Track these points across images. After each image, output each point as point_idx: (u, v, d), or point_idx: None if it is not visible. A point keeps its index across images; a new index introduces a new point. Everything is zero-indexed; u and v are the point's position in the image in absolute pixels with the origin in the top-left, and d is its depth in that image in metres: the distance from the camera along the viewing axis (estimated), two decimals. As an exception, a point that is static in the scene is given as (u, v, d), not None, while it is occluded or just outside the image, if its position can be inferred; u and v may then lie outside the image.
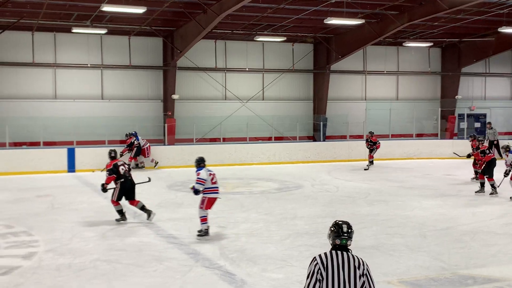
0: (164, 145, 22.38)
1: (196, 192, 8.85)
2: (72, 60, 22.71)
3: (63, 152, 18.74)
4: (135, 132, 19.56)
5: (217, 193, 9.03)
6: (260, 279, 6.51)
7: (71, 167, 18.51)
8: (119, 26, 21.83)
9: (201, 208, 8.90)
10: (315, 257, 3.71)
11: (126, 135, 19.76)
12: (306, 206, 11.66)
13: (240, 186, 15.12)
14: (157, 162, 19.60)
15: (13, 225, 9.72)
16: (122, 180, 10.02)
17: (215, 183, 9.02)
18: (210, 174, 8.95)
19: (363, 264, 3.72)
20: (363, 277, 3.68)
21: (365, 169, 19.06)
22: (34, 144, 20.74)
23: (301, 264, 7.10)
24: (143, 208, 10.19)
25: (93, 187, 14.91)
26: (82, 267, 7.01)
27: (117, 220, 10.03)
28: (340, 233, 3.80)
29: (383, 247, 8.08)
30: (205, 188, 8.88)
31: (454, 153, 18.07)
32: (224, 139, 24.24)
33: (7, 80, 21.77)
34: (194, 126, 23.34)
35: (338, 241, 3.79)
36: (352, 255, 3.75)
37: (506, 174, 12.69)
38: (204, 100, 24.86)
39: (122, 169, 10.07)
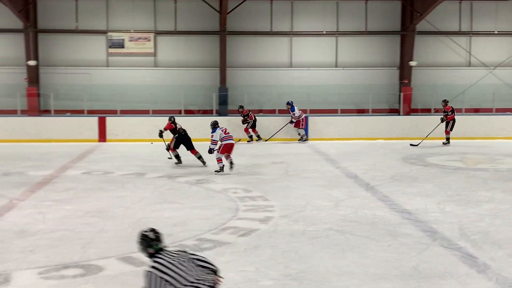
0: (399, 115, 22.05)
1: (210, 151, 12.21)
2: (307, 28, 23.51)
3: (298, 120, 19.60)
4: (291, 101, 19.18)
5: (230, 140, 12.27)
6: (507, 265, 6.09)
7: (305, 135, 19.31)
8: (355, -9, 21.93)
9: (217, 151, 12.17)
10: (149, 272, 3.93)
11: (240, 107, 19.39)
12: None
13: (483, 162, 14.25)
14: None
15: (251, 189, 10.52)
16: (177, 135, 13.66)
17: (228, 133, 12.36)
18: (222, 130, 12.34)
19: (185, 252, 4.16)
20: (195, 261, 4.12)
21: (411, 145, 17.17)
22: (269, 112, 22.08)
23: (558, 254, 6.47)
24: (200, 158, 13.40)
25: (325, 156, 15.41)
26: (316, 235, 7.30)
27: (175, 163, 13.55)
28: (150, 242, 4.12)
29: None
30: (221, 138, 12.23)
31: None
32: (466, 110, 22.97)
33: (246, 49, 23.42)
34: (432, 95, 22.53)
35: (151, 250, 4.11)
36: (171, 251, 4.11)
37: None
38: (445, 67, 23.79)
39: (178, 126, 13.82)
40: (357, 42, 23.80)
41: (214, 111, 22.23)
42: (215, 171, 12.21)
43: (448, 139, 17.92)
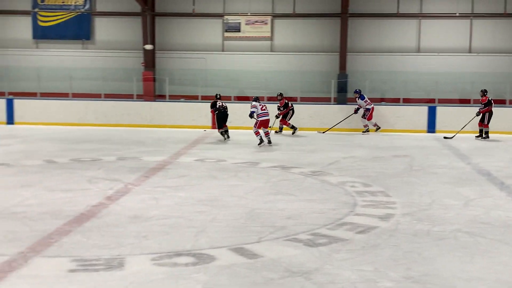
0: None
1: (250, 115, 15.13)
2: (438, 9, 22.80)
3: (423, 110, 19.09)
4: (359, 90, 18.49)
5: (265, 116, 15.07)
6: None
7: (431, 127, 18.79)
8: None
9: (254, 127, 15.07)
10: None
11: (279, 94, 18.68)
12: None
13: None
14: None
15: (371, 183, 10.39)
16: (217, 112, 16.15)
17: (264, 109, 15.09)
18: (260, 105, 15.11)
19: None
20: None
21: (445, 137, 16.85)
22: (393, 101, 21.65)
23: None
24: (225, 132, 16.20)
25: (454, 150, 14.89)
26: (442, 236, 7.09)
27: (224, 139, 16.05)
28: None
29: None
30: (257, 114, 14.97)
31: None
32: None
33: (369, 33, 23.13)
34: None
35: None
36: None
37: None
38: None
39: (218, 104, 16.30)
40: (495, 25, 22.72)
41: (332, 99, 22.13)
42: (258, 144, 14.85)
43: (486, 132, 17.27)
